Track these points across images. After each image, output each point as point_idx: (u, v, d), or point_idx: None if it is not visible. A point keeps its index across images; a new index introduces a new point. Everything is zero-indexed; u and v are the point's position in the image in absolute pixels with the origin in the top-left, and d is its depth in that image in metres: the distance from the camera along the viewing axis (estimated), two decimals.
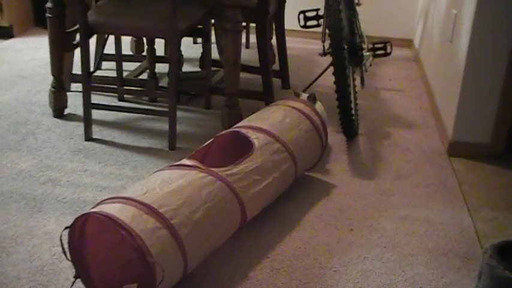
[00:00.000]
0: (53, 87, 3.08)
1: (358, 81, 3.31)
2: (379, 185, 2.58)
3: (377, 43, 3.83)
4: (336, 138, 3.02)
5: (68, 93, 3.17)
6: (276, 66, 3.68)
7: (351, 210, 2.38)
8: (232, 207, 1.97)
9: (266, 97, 3.24)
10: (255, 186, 2.10)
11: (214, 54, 3.44)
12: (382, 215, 2.35)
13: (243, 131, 2.31)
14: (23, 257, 1.98)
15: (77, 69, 3.06)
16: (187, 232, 1.75)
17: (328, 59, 3.02)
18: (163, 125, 3.00)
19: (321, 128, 2.56)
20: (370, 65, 4.08)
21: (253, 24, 3.27)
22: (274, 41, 3.62)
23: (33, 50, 4.19)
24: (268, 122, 2.40)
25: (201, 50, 3.57)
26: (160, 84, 3.33)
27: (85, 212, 1.74)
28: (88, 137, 2.87)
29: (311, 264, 2.03)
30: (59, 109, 3.11)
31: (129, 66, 3.61)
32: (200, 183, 1.91)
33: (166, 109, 2.82)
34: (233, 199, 1.98)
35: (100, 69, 3.74)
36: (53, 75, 3.07)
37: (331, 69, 2.84)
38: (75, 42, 3.08)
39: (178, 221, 1.74)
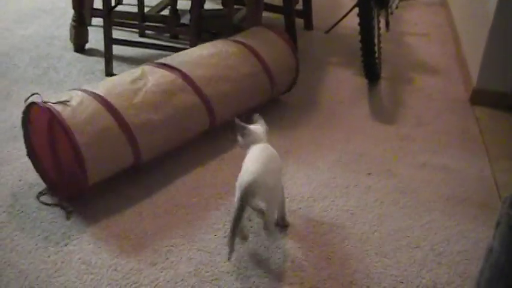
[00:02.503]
0: (74, 21, 3.06)
1: (383, 24, 3.24)
2: (399, 131, 2.57)
3: None
4: (358, 82, 2.98)
5: (89, 28, 3.15)
6: (299, 6, 3.61)
7: (370, 154, 2.37)
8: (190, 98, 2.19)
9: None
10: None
11: None
12: (401, 160, 2.34)
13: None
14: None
15: (98, 3, 3.03)
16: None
17: None
18: None
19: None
20: (396, 8, 3.99)
21: None
22: None
23: None
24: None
25: None
26: (182, 21, 3.29)
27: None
28: (108, 73, 2.86)
29: (328, 206, 2.04)
30: (79, 44, 3.10)
31: (150, 2, 3.56)
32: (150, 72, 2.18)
33: (187, 46, 2.79)
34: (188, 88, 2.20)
35: (121, 4, 3.69)
36: (74, 9, 3.04)
37: (356, 10, 2.78)
38: None
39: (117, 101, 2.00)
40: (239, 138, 1.87)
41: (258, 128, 1.89)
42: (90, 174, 1.90)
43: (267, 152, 1.82)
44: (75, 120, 1.89)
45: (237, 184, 1.71)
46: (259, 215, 1.92)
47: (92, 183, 1.94)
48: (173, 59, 2.36)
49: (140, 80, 2.15)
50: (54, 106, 1.90)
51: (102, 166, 1.96)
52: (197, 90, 2.23)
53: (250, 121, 1.92)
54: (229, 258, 1.71)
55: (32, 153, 2.06)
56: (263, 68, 2.49)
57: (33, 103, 1.95)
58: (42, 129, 1.98)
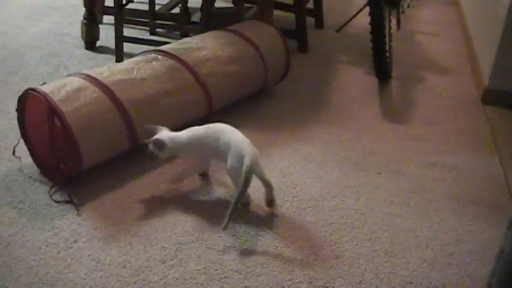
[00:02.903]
0: (85, 18, 3.07)
1: (394, 23, 3.22)
2: (409, 130, 2.55)
3: None
4: (368, 81, 2.97)
5: (100, 26, 3.15)
6: (310, 5, 3.60)
7: (380, 153, 2.36)
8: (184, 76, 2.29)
9: (299, 36, 3.19)
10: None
11: None
12: (411, 160, 2.33)
13: None
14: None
15: (109, 1, 3.04)
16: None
17: None
18: None
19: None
20: (408, 7, 3.97)
21: None
22: None
23: None
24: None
25: None
26: (193, 19, 3.29)
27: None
28: None
29: (337, 206, 2.03)
30: (90, 41, 3.11)
31: (161, 0, 3.56)
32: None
33: None
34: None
35: (132, 2, 3.69)
36: (85, 6, 3.05)
37: (367, 9, 2.77)
38: None
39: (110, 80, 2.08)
40: (158, 152, 1.99)
41: (165, 133, 2.01)
42: (85, 158, 1.97)
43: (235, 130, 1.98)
44: (60, 96, 1.96)
45: (235, 161, 1.87)
46: (265, 184, 1.94)
47: (87, 167, 2.01)
48: (169, 47, 2.45)
49: (137, 65, 2.25)
50: (48, 93, 1.96)
51: (97, 149, 2.03)
52: (191, 70, 2.32)
53: (154, 133, 2.01)
54: (225, 228, 1.82)
55: (27, 139, 2.12)
56: (255, 50, 2.57)
57: (30, 89, 2.01)
58: (42, 117, 2.02)
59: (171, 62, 2.30)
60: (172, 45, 2.45)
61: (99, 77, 2.09)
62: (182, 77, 2.29)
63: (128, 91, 2.10)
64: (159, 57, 2.30)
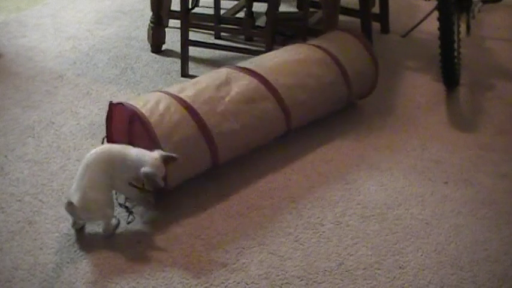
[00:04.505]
0: (151, 22, 3.12)
1: (463, 28, 3.13)
2: (478, 139, 2.47)
3: None
4: (435, 88, 2.89)
5: (166, 29, 3.20)
6: (375, 9, 3.54)
7: (447, 162, 2.29)
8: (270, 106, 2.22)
9: None
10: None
11: None
12: (480, 170, 2.25)
13: None
14: None
15: (175, 5, 3.08)
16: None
17: (433, 3, 2.87)
18: None
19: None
20: (479, 11, 3.84)
21: None
22: None
23: None
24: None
25: None
26: (257, 23, 3.30)
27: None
28: (184, 73, 2.90)
29: (402, 215, 1.99)
30: (156, 44, 3.16)
31: (226, 5, 3.58)
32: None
33: (263, 49, 2.79)
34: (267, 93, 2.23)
35: (198, 6, 3.73)
36: (152, 10, 3.10)
37: (435, 14, 2.70)
38: None
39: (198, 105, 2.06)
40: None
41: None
42: (169, 180, 1.93)
43: None
44: (162, 128, 1.94)
45: None
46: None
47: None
48: (257, 63, 2.37)
49: (224, 87, 2.17)
50: (142, 111, 1.96)
51: (181, 172, 1.99)
52: (279, 99, 2.24)
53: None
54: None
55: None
56: (343, 78, 2.46)
57: (119, 103, 2.02)
58: (122, 127, 2.04)
59: (262, 89, 2.25)
60: (263, 64, 2.38)
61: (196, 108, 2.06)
62: (267, 108, 2.23)
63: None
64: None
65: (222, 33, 3.36)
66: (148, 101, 2.03)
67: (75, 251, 1.78)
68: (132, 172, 1.82)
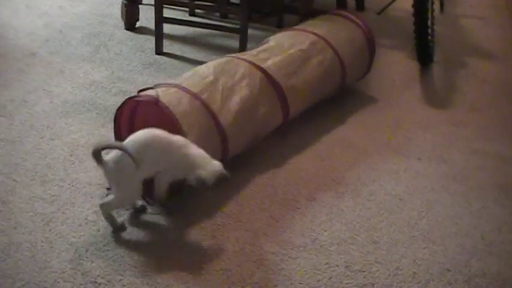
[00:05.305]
0: None
1: (437, 6, 3.15)
2: (451, 116, 2.50)
3: None
4: (409, 65, 2.92)
5: (140, 6, 3.17)
6: None
7: (420, 139, 2.32)
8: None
9: None
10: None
11: None
12: (452, 146, 2.29)
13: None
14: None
15: None
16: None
17: None
18: (233, 42, 2.96)
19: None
20: None
21: None
22: None
23: None
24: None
25: None
26: (232, 0, 3.28)
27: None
28: (159, 51, 2.88)
29: (376, 190, 2.01)
30: (130, 22, 3.13)
31: None
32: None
33: (238, 26, 2.78)
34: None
35: None
36: None
37: None
38: None
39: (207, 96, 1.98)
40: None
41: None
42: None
43: None
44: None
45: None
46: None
47: None
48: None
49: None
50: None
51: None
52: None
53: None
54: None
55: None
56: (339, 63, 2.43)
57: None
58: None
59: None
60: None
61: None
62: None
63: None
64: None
65: (197, 10, 3.34)
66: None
67: (50, 230, 1.76)
68: (187, 169, 1.74)
